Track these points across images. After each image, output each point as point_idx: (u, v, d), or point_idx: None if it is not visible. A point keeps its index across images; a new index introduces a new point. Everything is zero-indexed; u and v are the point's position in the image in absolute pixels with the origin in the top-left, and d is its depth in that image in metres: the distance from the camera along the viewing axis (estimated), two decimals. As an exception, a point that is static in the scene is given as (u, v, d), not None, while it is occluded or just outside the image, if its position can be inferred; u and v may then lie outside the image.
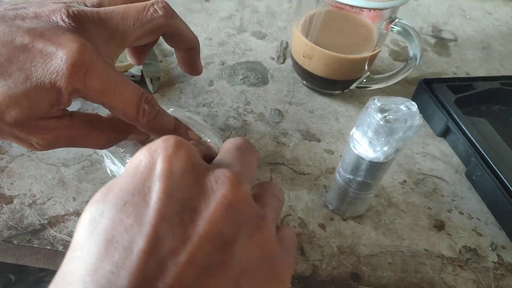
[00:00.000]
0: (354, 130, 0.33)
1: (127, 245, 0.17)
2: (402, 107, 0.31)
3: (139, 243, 0.17)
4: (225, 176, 0.21)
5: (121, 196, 0.19)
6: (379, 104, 0.31)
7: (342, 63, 0.45)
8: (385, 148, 0.32)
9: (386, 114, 0.30)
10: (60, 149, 0.39)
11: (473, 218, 0.40)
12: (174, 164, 0.20)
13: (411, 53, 0.42)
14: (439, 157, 0.45)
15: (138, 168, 0.20)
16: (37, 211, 0.34)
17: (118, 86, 0.28)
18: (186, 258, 0.18)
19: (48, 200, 0.35)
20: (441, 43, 0.63)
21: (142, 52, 0.35)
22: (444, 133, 0.47)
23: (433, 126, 0.48)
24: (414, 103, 0.31)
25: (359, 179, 0.34)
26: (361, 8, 0.40)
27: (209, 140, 0.36)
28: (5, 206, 0.34)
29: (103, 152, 0.36)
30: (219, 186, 0.20)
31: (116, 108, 0.28)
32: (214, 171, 0.21)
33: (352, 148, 0.33)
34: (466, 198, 0.42)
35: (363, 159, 0.33)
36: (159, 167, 0.20)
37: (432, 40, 0.63)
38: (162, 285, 0.17)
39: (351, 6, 0.39)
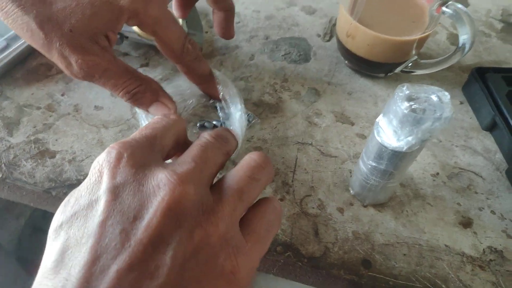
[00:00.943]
0: (380, 117, 0.33)
1: (76, 256, 0.20)
2: (433, 97, 0.30)
3: (85, 255, 0.19)
4: (166, 179, 0.22)
5: (74, 209, 0.21)
6: (407, 92, 0.30)
7: (387, 45, 0.43)
8: (409, 138, 0.31)
9: (413, 103, 0.29)
10: (103, 111, 0.42)
11: (505, 219, 0.38)
12: (116, 177, 0.22)
13: (460, 40, 0.40)
14: (480, 152, 0.43)
15: (90, 182, 0.22)
16: (75, 167, 0.37)
17: (171, 21, 0.33)
18: (125, 262, 0.19)
19: (86, 158, 0.38)
20: (509, 29, 0.58)
21: (187, 5, 0.39)
22: (491, 127, 0.44)
23: (479, 119, 0.45)
24: (447, 93, 0.30)
25: (381, 167, 0.33)
26: (408, -12, 0.38)
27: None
28: (48, 160, 0.37)
29: (140, 116, 0.39)
30: (160, 190, 0.21)
31: (166, 40, 0.33)
32: (158, 175, 0.22)
33: (376, 136, 0.32)
34: (502, 197, 0.39)
35: (386, 147, 0.32)
36: (104, 182, 0.22)
37: (499, 25, 0.58)
38: None
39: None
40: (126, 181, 0.22)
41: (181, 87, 0.42)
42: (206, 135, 0.27)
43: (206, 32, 0.51)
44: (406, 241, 0.36)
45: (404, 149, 0.31)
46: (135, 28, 0.45)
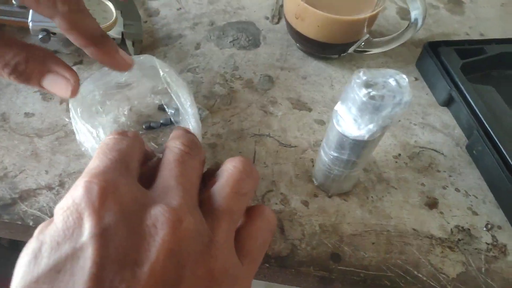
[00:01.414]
0: (338, 105, 0.31)
1: None
2: (391, 81, 0.28)
3: None
4: (164, 217, 0.19)
5: (52, 262, 0.17)
6: (364, 78, 0.28)
7: (338, 26, 0.41)
8: (370, 126, 0.29)
9: (371, 90, 0.27)
10: (34, 118, 0.37)
11: (470, 195, 0.37)
12: (104, 219, 0.18)
13: (412, 16, 0.38)
14: (439, 129, 0.42)
15: (66, 225, 0.18)
16: (8, 184, 0.33)
17: None
18: None
19: (20, 173, 0.34)
20: (456, 0, 0.57)
21: None
22: (448, 102, 0.43)
23: (436, 94, 0.44)
24: (405, 76, 0.28)
25: (343, 157, 0.32)
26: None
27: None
28: (-27, 180, 0.33)
29: (74, 122, 0.35)
30: (158, 230, 0.19)
31: None
32: (151, 212, 0.19)
33: (336, 125, 0.30)
34: (464, 173, 0.39)
35: (347, 137, 0.30)
36: (88, 225, 0.18)
37: (446, -4, 0.58)
38: None
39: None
40: (116, 223, 0.18)
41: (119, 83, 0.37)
42: (177, 145, 0.24)
43: (145, 21, 0.47)
44: (374, 228, 0.34)
45: (366, 138, 0.29)
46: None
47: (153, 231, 0.19)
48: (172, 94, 0.34)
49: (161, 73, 0.34)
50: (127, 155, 0.22)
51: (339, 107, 0.30)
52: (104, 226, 0.18)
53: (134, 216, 0.19)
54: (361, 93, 0.27)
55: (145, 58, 0.35)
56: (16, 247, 0.75)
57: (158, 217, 0.19)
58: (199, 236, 0.20)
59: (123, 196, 0.19)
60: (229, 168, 0.24)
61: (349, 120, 0.30)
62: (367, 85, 0.28)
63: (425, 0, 0.38)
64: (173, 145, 0.24)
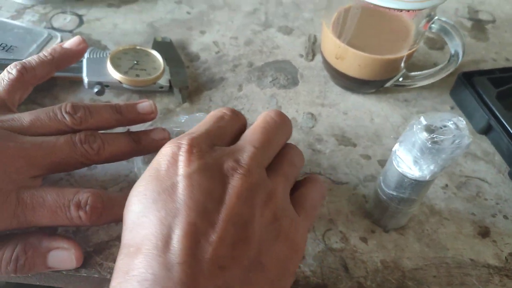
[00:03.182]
0: (397, 146, 0.32)
1: (167, 233, 0.23)
2: (450, 124, 0.30)
3: (177, 231, 0.23)
4: (237, 168, 0.26)
5: (154, 196, 0.24)
6: (424, 123, 0.30)
7: (377, 64, 0.43)
8: (431, 167, 0.30)
9: (434, 135, 0.29)
10: (97, 170, 0.39)
11: (519, 222, 0.39)
12: (191, 166, 0.25)
13: (452, 51, 0.40)
14: (480, 157, 0.44)
15: (160, 171, 0.26)
16: (82, 239, 0.34)
17: None
18: (217, 237, 0.23)
19: (90, 227, 0.35)
20: (478, 26, 0.59)
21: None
22: (486, 131, 0.45)
23: (473, 123, 0.46)
24: (462, 119, 0.30)
25: (403, 196, 0.33)
26: (397, 9, 0.37)
27: None
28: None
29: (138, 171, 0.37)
30: (233, 178, 0.25)
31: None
32: (228, 163, 0.26)
33: (396, 166, 0.32)
34: (510, 200, 0.40)
35: (407, 177, 0.32)
36: (180, 170, 0.25)
37: (469, 23, 0.60)
38: (202, 259, 0.22)
39: (388, 8, 0.37)
40: (200, 169, 0.25)
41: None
42: (272, 115, 0.31)
43: (187, 66, 0.49)
44: (433, 261, 0.36)
45: (427, 178, 0.31)
46: (114, 74, 0.42)
47: (230, 178, 0.25)
48: None
49: None
50: (222, 128, 0.30)
51: (397, 148, 0.32)
52: (191, 172, 0.25)
53: (214, 166, 0.26)
54: (424, 137, 0.29)
55: (199, 116, 0.39)
56: None
57: (233, 167, 0.26)
58: (264, 186, 0.26)
59: (205, 152, 0.26)
60: (286, 148, 0.32)
61: (409, 161, 0.31)
62: (428, 129, 0.30)
63: (463, 36, 0.39)
64: (268, 114, 0.31)
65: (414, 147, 0.30)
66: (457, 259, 0.36)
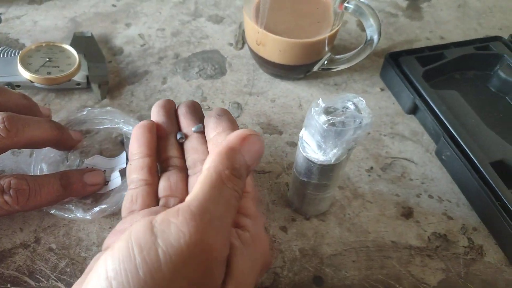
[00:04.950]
0: (303, 131, 0.31)
1: None
2: (349, 104, 0.29)
3: None
4: None
5: None
6: (323, 105, 0.29)
7: (298, 48, 0.42)
8: (335, 151, 0.30)
9: (330, 117, 0.28)
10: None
11: (443, 200, 0.38)
12: None
13: (368, 33, 0.39)
14: (408, 137, 0.43)
15: None
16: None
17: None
18: None
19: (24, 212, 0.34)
20: (414, 5, 0.59)
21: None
22: (413, 110, 0.44)
23: (401, 103, 0.45)
24: (362, 99, 0.29)
25: (313, 181, 0.32)
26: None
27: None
28: None
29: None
30: None
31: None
32: None
33: (302, 151, 0.31)
34: (436, 179, 0.40)
35: (313, 162, 0.31)
36: None
37: (404, 3, 0.59)
38: None
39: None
40: None
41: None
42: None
43: (110, 61, 0.47)
44: (353, 246, 0.35)
45: (332, 162, 0.30)
46: (24, 73, 0.40)
47: None
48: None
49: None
50: None
51: (303, 133, 0.31)
52: None
53: None
54: (321, 121, 0.28)
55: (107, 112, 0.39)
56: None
57: None
58: None
59: None
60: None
61: (313, 146, 0.30)
62: (327, 112, 0.29)
63: (378, 18, 0.39)
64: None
65: (316, 132, 0.29)
66: (378, 242, 0.35)
